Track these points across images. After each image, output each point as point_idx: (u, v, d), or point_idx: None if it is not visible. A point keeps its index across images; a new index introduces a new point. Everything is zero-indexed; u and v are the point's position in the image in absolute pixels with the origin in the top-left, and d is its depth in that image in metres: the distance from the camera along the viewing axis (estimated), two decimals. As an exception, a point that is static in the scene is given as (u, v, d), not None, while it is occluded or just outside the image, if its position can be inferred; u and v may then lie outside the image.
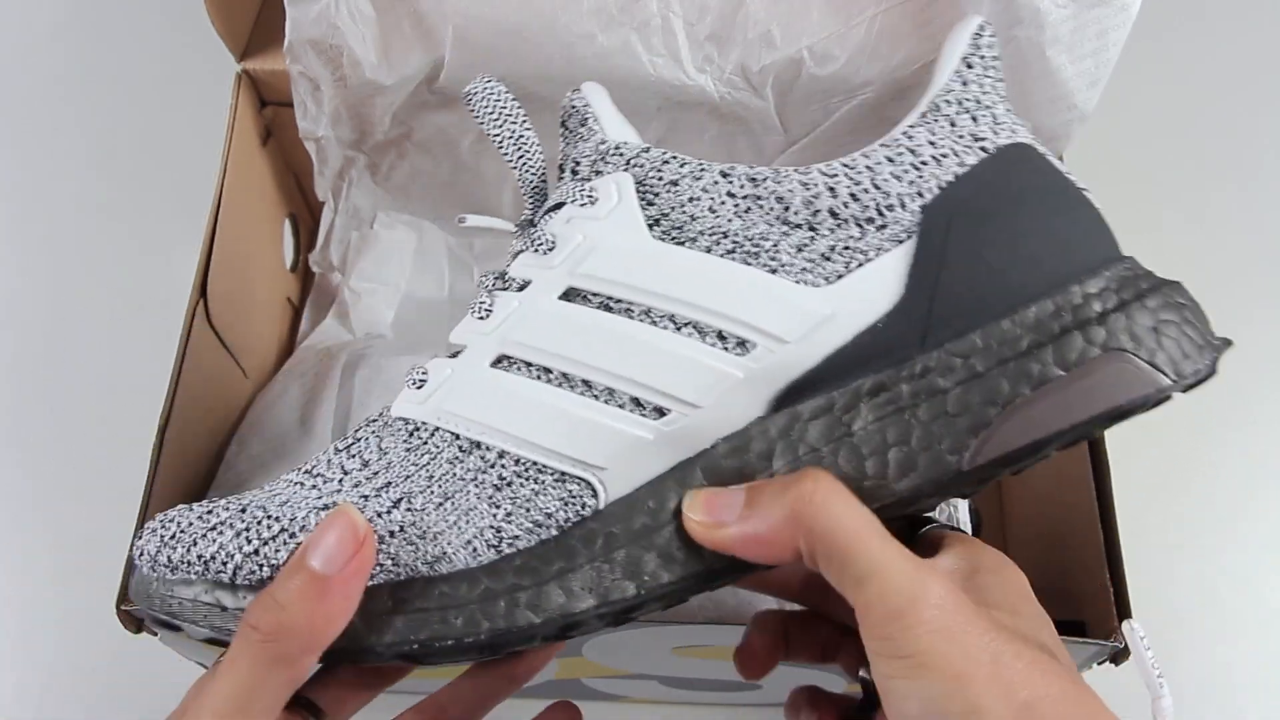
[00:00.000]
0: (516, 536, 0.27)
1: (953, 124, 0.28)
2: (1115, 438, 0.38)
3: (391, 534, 0.27)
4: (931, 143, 0.28)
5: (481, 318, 0.29)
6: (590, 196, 0.28)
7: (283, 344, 0.52)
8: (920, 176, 0.28)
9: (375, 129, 0.48)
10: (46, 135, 0.63)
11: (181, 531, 0.27)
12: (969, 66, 0.29)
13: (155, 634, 0.38)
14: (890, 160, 0.28)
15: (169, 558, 0.27)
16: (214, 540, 0.27)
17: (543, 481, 0.27)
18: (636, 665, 0.41)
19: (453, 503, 0.27)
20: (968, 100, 0.29)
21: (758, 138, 0.47)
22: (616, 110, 0.31)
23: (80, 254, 0.59)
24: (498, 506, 0.27)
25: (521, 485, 0.27)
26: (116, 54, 0.65)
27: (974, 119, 0.29)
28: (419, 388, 0.29)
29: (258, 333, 0.49)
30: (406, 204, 0.53)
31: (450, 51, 0.44)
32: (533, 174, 0.30)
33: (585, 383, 0.27)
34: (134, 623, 0.37)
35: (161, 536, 0.27)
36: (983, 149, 0.28)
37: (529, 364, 0.27)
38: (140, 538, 0.28)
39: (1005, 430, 0.26)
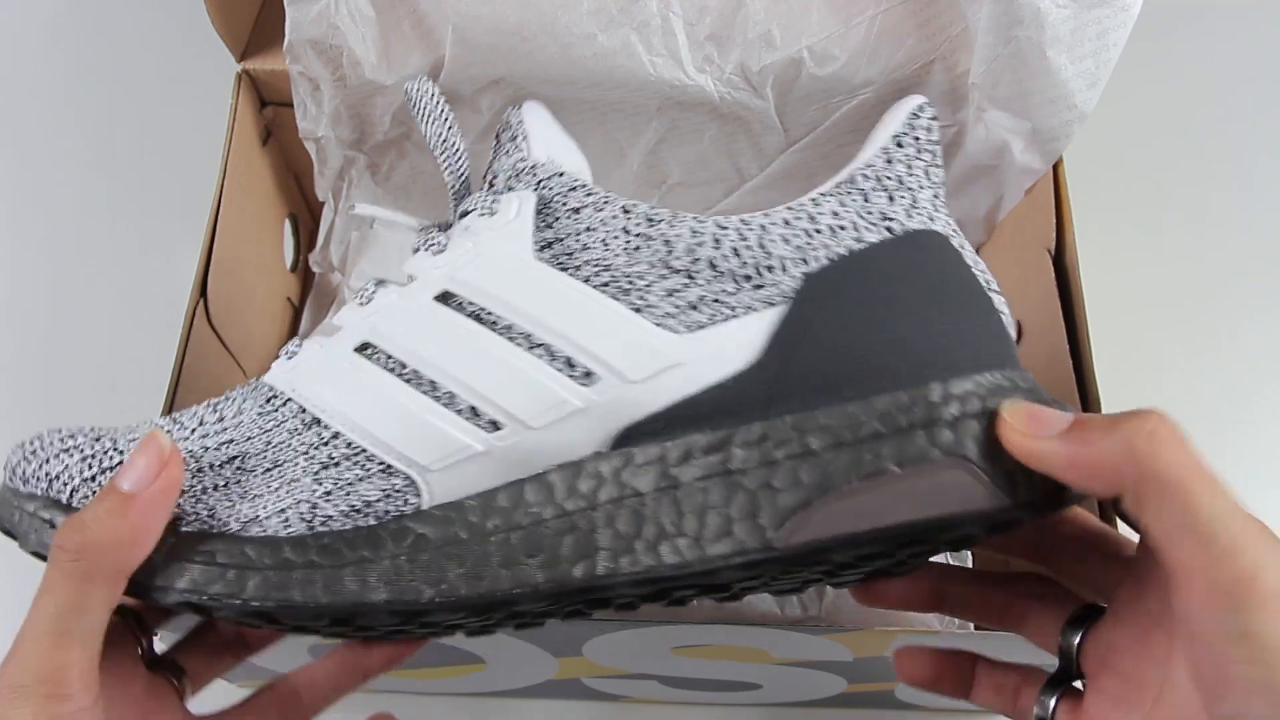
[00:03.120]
0: (330, 517, 0.27)
1: (865, 199, 0.27)
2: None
3: (216, 487, 0.27)
4: (835, 213, 0.27)
5: (361, 304, 0.29)
6: (491, 208, 0.29)
7: (282, 344, 0.52)
8: (809, 244, 0.27)
9: (375, 129, 0.48)
10: (46, 135, 0.63)
11: (40, 449, 0.28)
12: (898, 145, 0.28)
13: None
14: (786, 223, 0.27)
15: (24, 471, 0.28)
16: (63, 461, 0.28)
17: (369, 469, 0.27)
18: (636, 665, 0.41)
19: (280, 470, 0.27)
20: (888, 179, 0.28)
21: (758, 138, 0.47)
22: (558, 130, 0.31)
23: (80, 254, 0.59)
24: (320, 484, 0.27)
25: (348, 469, 0.27)
26: (116, 54, 0.65)
27: (890, 198, 0.28)
28: (289, 359, 0.29)
29: (258, 333, 0.49)
30: (406, 204, 0.53)
31: (450, 51, 0.44)
32: (455, 177, 0.31)
33: (432, 383, 0.27)
34: (134, 623, 0.37)
35: (24, 451, 0.29)
36: (889, 229, 0.27)
37: (388, 356, 0.28)
38: (13, 452, 0.29)
39: (824, 515, 0.25)
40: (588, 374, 0.26)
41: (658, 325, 0.26)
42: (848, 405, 0.25)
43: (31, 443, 0.29)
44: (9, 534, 0.29)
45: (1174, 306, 0.57)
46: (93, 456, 0.28)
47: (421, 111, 0.30)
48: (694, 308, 0.27)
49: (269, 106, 0.49)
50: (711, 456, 0.26)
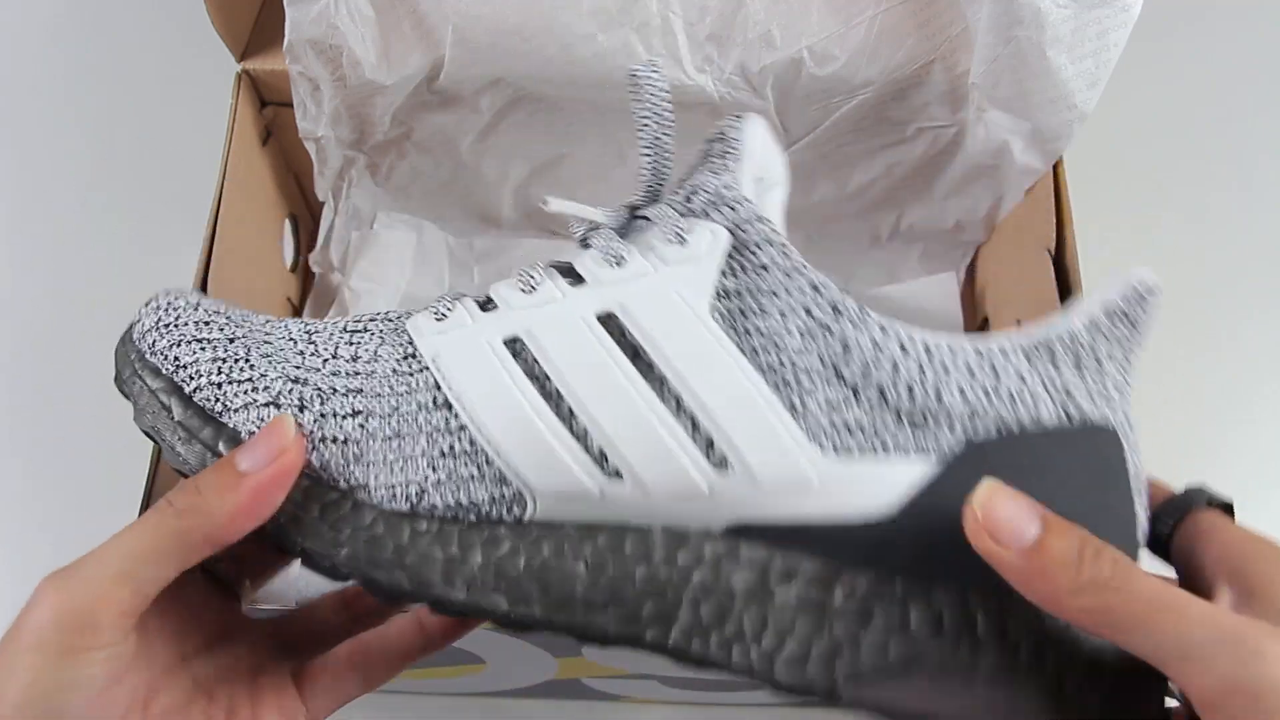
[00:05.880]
0: (435, 505, 0.26)
1: (1054, 365, 0.26)
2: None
3: (335, 440, 0.27)
4: (1021, 377, 0.26)
5: (524, 290, 0.28)
6: (681, 236, 0.27)
7: (283, 344, 0.52)
8: (984, 406, 0.25)
9: (375, 129, 0.48)
10: (47, 135, 0.63)
11: (175, 325, 0.28)
12: (1111, 321, 0.26)
13: None
14: (970, 372, 0.26)
15: (154, 341, 0.28)
16: (194, 352, 0.27)
17: (484, 473, 0.26)
18: (636, 665, 0.41)
19: (400, 444, 0.27)
20: (1084, 353, 0.26)
21: (758, 138, 0.47)
22: (776, 149, 0.29)
23: (80, 254, 0.59)
24: (434, 470, 0.26)
25: (466, 464, 0.26)
26: (116, 54, 0.65)
27: (1079, 370, 0.26)
28: (438, 319, 0.28)
29: (258, 333, 0.49)
30: (406, 204, 0.53)
31: (450, 51, 0.44)
32: (653, 176, 0.29)
33: (570, 412, 0.26)
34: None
35: (159, 319, 0.28)
36: (1066, 412, 0.26)
37: (535, 362, 0.26)
38: (146, 306, 0.29)
39: (898, 690, 0.25)
40: (723, 461, 0.25)
41: (808, 437, 0.25)
42: (967, 594, 0.25)
43: (167, 310, 0.28)
44: (126, 396, 0.28)
45: (1174, 306, 0.57)
46: (224, 361, 0.27)
47: (645, 103, 0.28)
48: (849, 430, 0.25)
49: (269, 106, 0.49)
50: (813, 588, 0.25)
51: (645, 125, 0.28)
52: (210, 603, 0.29)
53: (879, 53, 0.43)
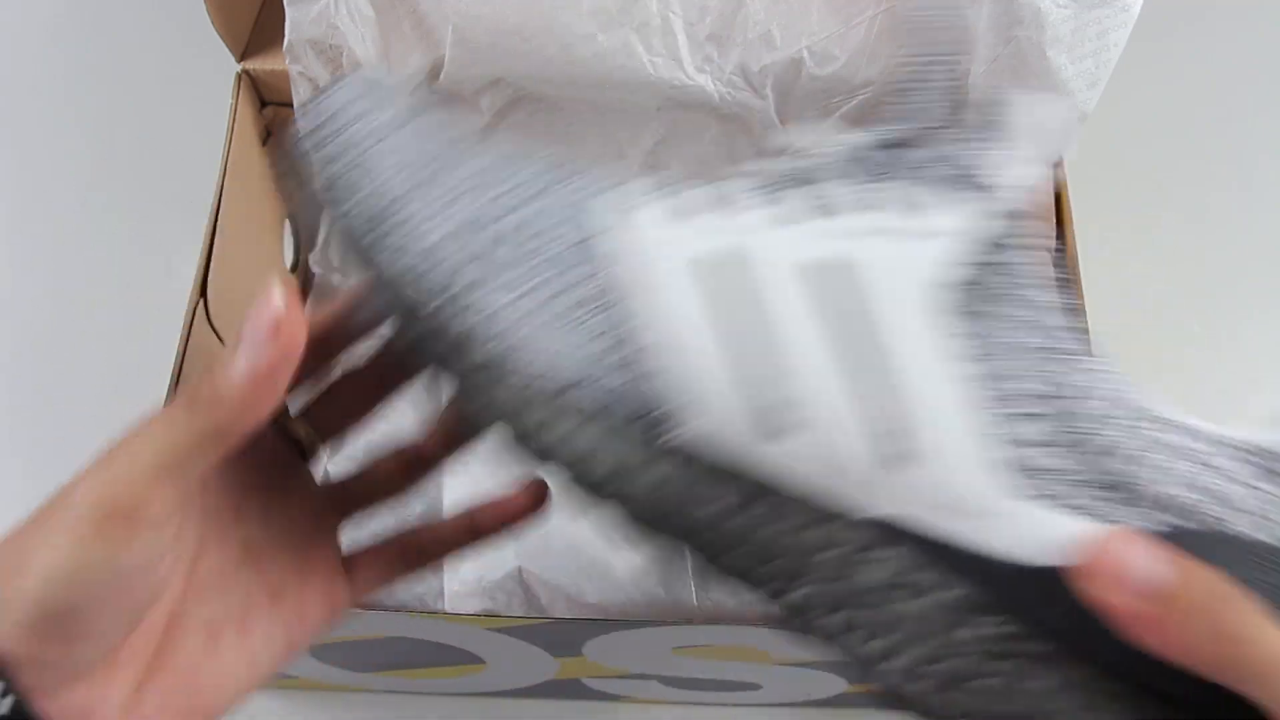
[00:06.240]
0: (581, 401, 0.24)
1: (1266, 478, 0.23)
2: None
3: (479, 312, 0.24)
4: (1252, 488, 0.23)
5: (766, 199, 0.24)
6: (926, 208, 0.24)
7: (283, 344, 0.52)
8: (1200, 502, 0.23)
9: (375, 129, 0.48)
10: (47, 135, 0.63)
11: (363, 141, 0.26)
12: None
13: None
14: (1202, 465, 0.23)
15: (323, 139, 0.26)
16: (350, 196, 0.25)
17: (640, 389, 0.24)
18: (636, 665, 0.41)
19: (552, 335, 0.25)
20: None
21: (758, 138, 0.47)
22: (1062, 117, 0.26)
23: (80, 254, 0.59)
24: (587, 370, 0.24)
25: (621, 375, 0.24)
26: (116, 54, 0.65)
27: None
28: (667, 190, 0.25)
29: (258, 333, 0.49)
30: (406, 204, 0.53)
31: (450, 51, 0.44)
32: (915, 116, 0.25)
33: (756, 356, 0.23)
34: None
35: (337, 129, 0.26)
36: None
37: (743, 288, 0.23)
38: (341, 90, 0.26)
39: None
40: (896, 459, 0.23)
41: (996, 469, 0.23)
42: (1097, 677, 0.23)
43: (352, 121, 0.26)
44: (293, 160, 0.26)
45: (1174, 306, 0.57)
46: (377, 219, 0.25)
47: (921, 54, 0.25)
48: (1038, 473, 0.23)
49: (269, 106, 0.49)
50: (946, 612, 0.23)
51: (910, 68, 0.25)
52: (275, 461, 0.28)
53: (879, 53, 0.43)
